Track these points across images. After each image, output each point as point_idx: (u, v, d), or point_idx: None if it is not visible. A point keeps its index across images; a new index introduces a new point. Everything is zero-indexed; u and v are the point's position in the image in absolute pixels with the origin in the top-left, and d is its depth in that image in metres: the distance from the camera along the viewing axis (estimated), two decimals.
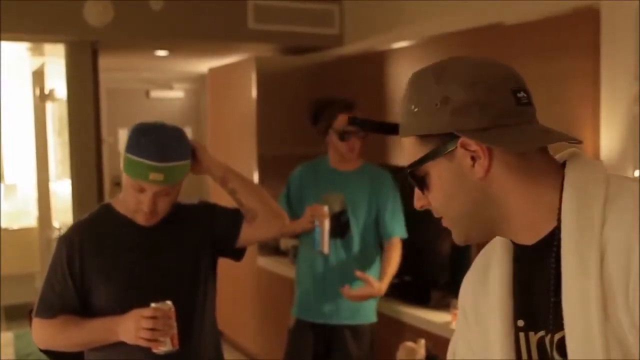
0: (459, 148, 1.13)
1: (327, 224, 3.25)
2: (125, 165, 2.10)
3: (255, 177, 5.22)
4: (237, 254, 2.38)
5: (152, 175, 2.05)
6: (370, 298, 3.29)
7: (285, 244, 4.88)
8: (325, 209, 3.26)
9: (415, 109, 1.17)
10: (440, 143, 1.15)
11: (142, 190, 2.09)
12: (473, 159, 1.14)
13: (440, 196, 1.20)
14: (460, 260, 3.46)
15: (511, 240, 1.22)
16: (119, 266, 2.17)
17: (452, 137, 1.13)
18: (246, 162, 5.34)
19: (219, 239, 2.31)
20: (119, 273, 2.17)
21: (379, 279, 3.29)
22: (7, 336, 6.10)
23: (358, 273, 3.25)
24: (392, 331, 3.60)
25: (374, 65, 4.73)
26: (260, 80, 5.19)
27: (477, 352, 1.28)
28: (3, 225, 7.25)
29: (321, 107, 3.39)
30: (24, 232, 7.38)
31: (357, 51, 4.90)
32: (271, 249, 5.03)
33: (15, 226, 7.42)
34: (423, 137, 1.17)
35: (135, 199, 2.12)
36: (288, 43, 5.05)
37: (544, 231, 1.14)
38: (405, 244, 3.53)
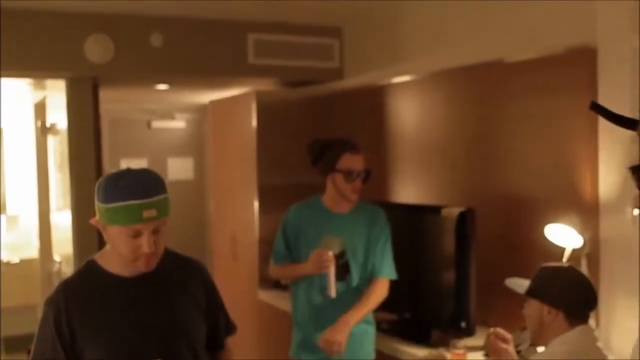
0: None
1: (333, 269, 3.24)
2: (110, 217, 2.04)
3: (255, 206, 5.24)
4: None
5: (146, 213, 2.02)
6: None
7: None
8: (330, 254, 3.24)
9: None
10: None
11: (137, 234, 2.05)
12: None
13: None
14: (462, 300, 3.44)
15: None
16: (108, 327, 2.12)
17: None
18: (246, 192, 5.35)
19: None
20: (109, 334, 2.11)
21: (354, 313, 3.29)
22: None
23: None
24: None
25: (374, 99, 4.75)
26: (260, 112, 5.22)
27: None
28: (5, 258, 7.24)
29: (324, 147, 3.37)
30: (25, 263, 7.37)
31: (357, 85, 4.92)
32: (272, 283, 5.01)
33: (17, 258, 7.41)
34: None
35: (131, 247, 2.06)
36: (288, 77, 5.07)
37: None
38: (406, 281, 3.51)
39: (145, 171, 2.13)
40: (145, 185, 2.05)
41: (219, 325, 2.36)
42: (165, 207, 2.08)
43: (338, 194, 3.36)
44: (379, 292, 3.37)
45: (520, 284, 2.44)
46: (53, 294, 2.16)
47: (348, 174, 3.29)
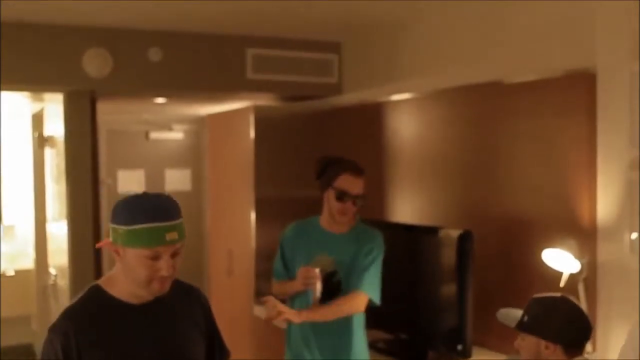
0: None
1: (319, 286, 3.20)
2: (131, 239, 2.02)
3: (252, 219, 5.23)
4: None
5: (169, 236, 2.02)
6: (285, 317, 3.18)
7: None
8: (317, 271, 3.20)
9: None
10: None
11: (157, 257, 2.03)
12: None
13: None
14: (459, 322, 3.42)
15: None
16: (115, 353, 2.10)
17: None
18: (244, 204, 5.35)
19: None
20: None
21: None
22: None
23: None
24: None
25: (372, 116, 4.74)
26: (258, 126, 5.22)
27: None
28: (2, 268, 7.24)
29: (328, 163, 3.35)
30: (21, 274, 7.36)
31: (355, 101, 4.91)
32: None
33: (13, 270, 7.41)
34: None
35: (150, 269, 2.04)
36: (286, 92, 5.06)
37: None
38: (402, 302, 3.49)
39: (163, 195, 2.13)
40: (167, 208, 2.06)
41: (213, 352, 2.36)
42: (184, 230, 2.09)
43: (329, 212, 3.35)
44: (353, 302, 3.26)
45: (512, 315, 2.42)
46: (58, 321, 2.11)
47: (341, 194, 3.27)
